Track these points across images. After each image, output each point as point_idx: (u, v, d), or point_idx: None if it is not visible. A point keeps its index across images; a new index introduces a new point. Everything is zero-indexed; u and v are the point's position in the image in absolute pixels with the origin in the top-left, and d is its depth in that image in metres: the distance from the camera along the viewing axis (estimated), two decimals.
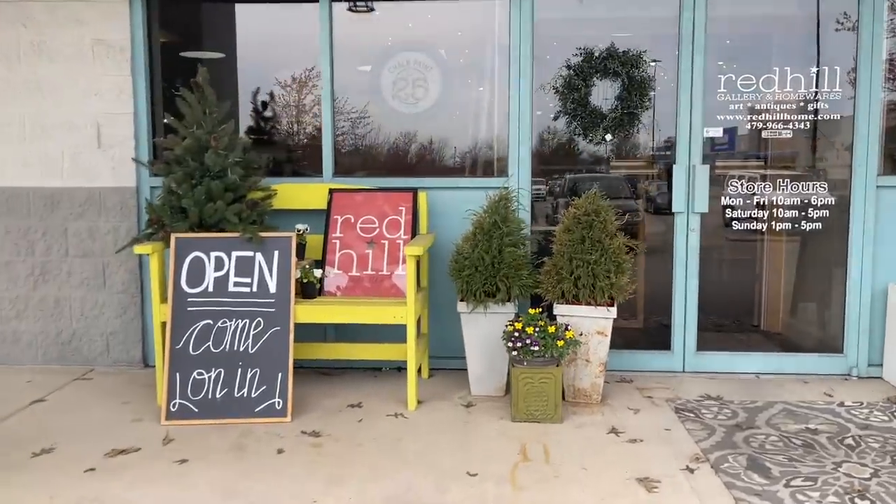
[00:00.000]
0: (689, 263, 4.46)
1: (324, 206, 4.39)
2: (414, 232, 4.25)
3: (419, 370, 4.48)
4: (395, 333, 4.48)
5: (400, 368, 4.58)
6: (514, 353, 3.67)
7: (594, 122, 4.37)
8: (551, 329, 3.69)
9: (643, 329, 5.24)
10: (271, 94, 4.86)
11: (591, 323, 3.92)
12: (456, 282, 4.02)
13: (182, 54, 4.79)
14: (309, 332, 4.53)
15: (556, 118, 4.49)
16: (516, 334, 3.69)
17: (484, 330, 4.02)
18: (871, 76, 4.27)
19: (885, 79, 4.30)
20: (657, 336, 4.73)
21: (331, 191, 4.37)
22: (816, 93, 4.35)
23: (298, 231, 4.24)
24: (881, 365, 4.42)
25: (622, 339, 4.91)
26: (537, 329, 3.69)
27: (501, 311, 3.99)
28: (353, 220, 4.30)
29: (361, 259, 4.22)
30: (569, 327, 3.79)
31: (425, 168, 4.65)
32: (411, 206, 4.30)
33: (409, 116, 4.61)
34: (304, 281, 3.97)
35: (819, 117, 4.39)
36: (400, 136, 4.64)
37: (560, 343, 3.64)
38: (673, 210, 4.43)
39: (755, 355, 4.53)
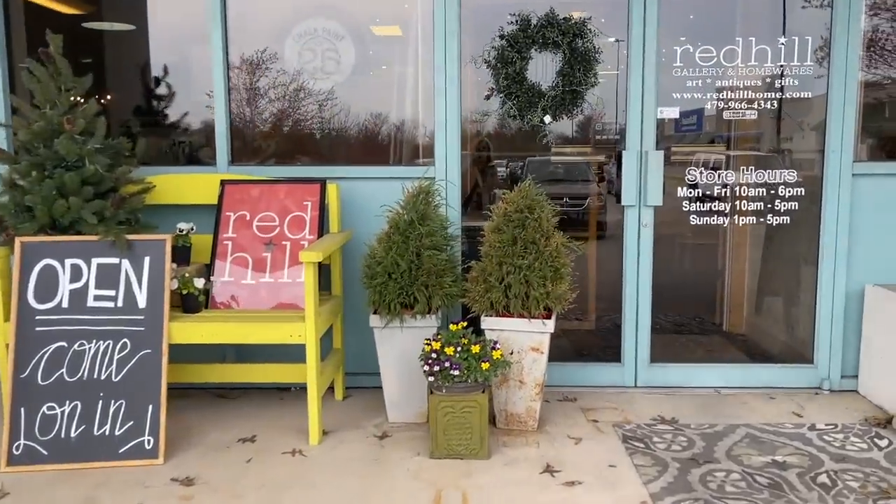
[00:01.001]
0: (642, 265, 3.89)
1: (216, 200, 3.73)
2: (321, 231, 3.61)
3: (332, 390, 3.87)
4: (303, 350, 3.85)
5: None
6: (432, 378, 3.07)
7: (531, 101, 3.76)
8: (475, 348, 3.09)
9: (595, 331, 4.71)
10: (165, 69, 4.16)
11: (525, 338, 3.33)
12: (367, 291, 3.40)
13: (85, 25, 4.07)
14: (204, 351, 3.88)
15: (488, 97, 3.86)
16: (434, 356, 3.08)
17: (401, 347, 3.41)
18: (848, 48, 3.72)
19: (862, 52, 3.75)
20: (612, 340, 4.17)
21: (223, 182, 3.70)
22: (784, 67, 3.78)
23: (181, 231, 3.57)
24: (856, 377, 3.92)
25: (571, 343, 4.38)
26: (459, 349, 3.09)
27: (421, 325, 3.38)
28: (248, 218, 3.65)
29: (258, 264, 3.57)
30: (497, 345, 3.20)
31: (339, 155, 4.00)
32: (318, 199, 3.66)
33: (319, 94, 3.94)
34: (184, 292, 3.32)
35: (788, 95, 3.83)
36: (308, 118, 3.98)
37: (485, 366, 3.04)
38: (622, 203, 3.85)
39: (715, 367, 3.99)
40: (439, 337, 3.17)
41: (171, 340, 3.19)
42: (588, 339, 4.70)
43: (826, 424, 3.46)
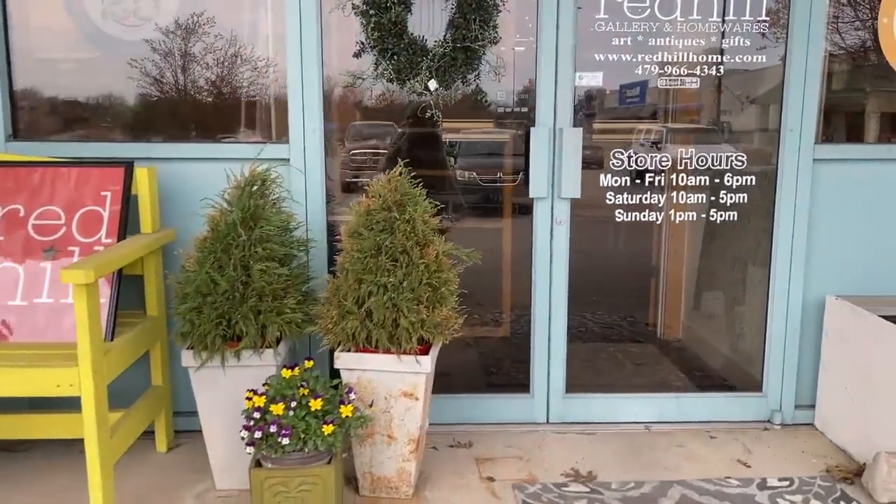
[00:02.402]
0: (555, 274, 3.08)
1: None
2: (124, 231, 2.67)
3: (154, 437, 2.95)
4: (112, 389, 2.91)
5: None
6: (251, 448, 2.19)
7: (413, 61, 2.86)
8: (316, 404, 2.22)
9: (510, 339, 3.94)
10: None
11: (394, 381, 2.47)
12: (175, 318, 2.48)
13: None
14: None
15: (357, 54, 2.95)
16: (256, 415, 2.20)
17: (227, 394, 2.51)
18: (812, 4, 2.94)
19: (829, 14, 2.99)
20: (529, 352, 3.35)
21: None
22: (735, 24, 2.99)
23: None
24: (813, 406, 3.21)
25: (480, 357, 3.59)
26: (293, 404, 2.21)
27: (253, 363, 2.48)
28: (22, 214, 2.67)
29: (33, 279, 2.60)
30: (353, 393, 2.34)
31: (159, 128, 3.04)
32: (122, 188, 2.70)
33: (131, 46, 2.96)
34: None
35: (738, 59, 3.04)
36: (117, 78, 3.00)
37: (328, 430, 2.18)
38: (530, 194, 3.02)
39: (645, 399, 3.23)
40: (268, 387, 2.28)
41: None
42: (501, 352, 3.94)
43: (780, 480, 2.73)
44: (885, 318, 2.80)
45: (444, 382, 3.42)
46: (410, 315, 2.39)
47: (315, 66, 2.87)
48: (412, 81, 2.86)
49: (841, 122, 3.23)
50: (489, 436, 3.09)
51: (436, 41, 2.90)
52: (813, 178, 3.07)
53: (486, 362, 3.96)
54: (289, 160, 2.93)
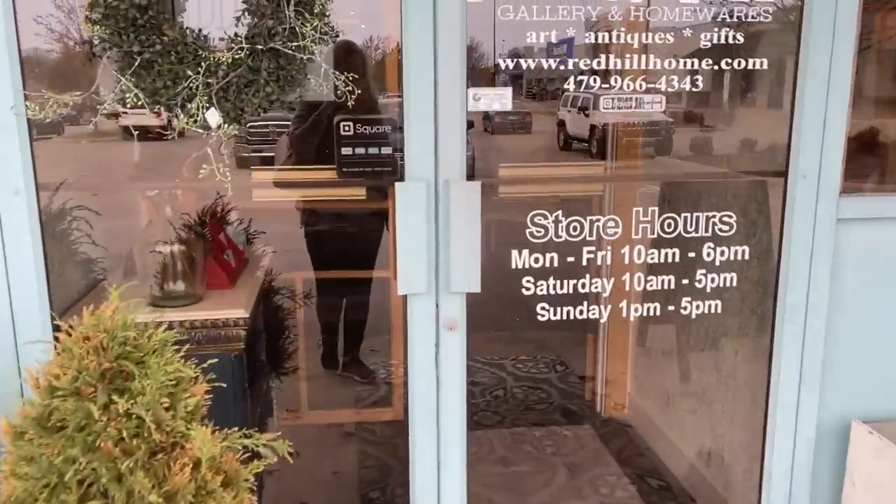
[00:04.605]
0: (445, 406, 1.94)
1: None
2: None
3: None
4: None
5: None
6: None
7: (178, 75, 1.63)
8: None
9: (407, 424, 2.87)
10: None
11: None
12: None
13: None
14: None
15: (90, 58, 1.69)
16: None
17: None
18: None
19: None
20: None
21: None
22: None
23: None
24: None
25: (361, 457, 2.55)
26: None
27: None
28: None
29: None
30: None
31: None
32: None
33: None
34: None
35: (718, 64, 1.92)
36: None
37: None
38: (399, 290, 1.85)
39: None
40: None
41: None
42: (391, 451, 2.95)
43: None
44: None
45: None
46: None
47: (8, 91, 1.62)
48: (178, 112, 1.62)
49: (864, 159, 2.18)
50: None
51: (223, 39, 1.67)
52: (837, 244, 1.99)
53: (366, 475, 2.90)
54: None
